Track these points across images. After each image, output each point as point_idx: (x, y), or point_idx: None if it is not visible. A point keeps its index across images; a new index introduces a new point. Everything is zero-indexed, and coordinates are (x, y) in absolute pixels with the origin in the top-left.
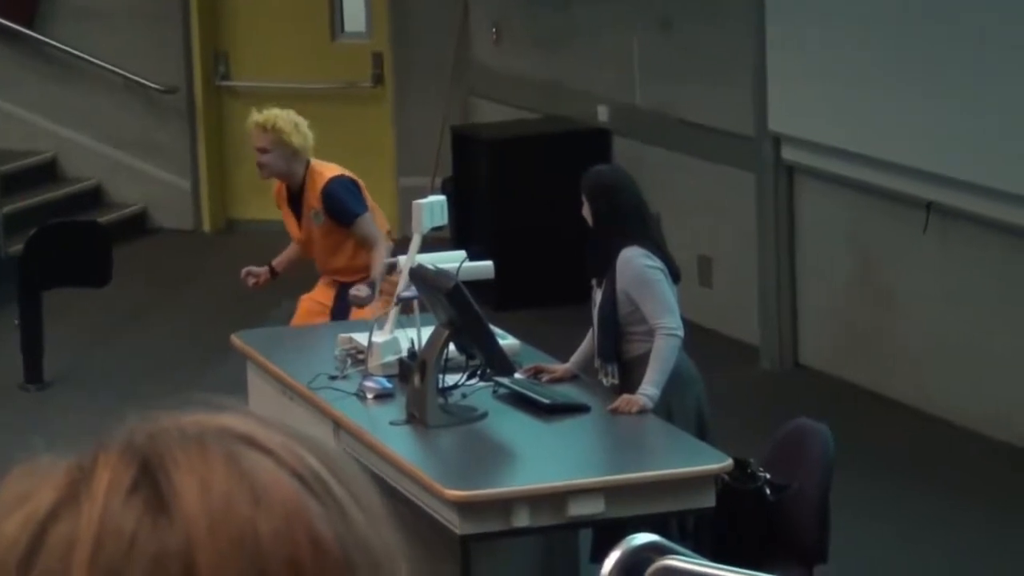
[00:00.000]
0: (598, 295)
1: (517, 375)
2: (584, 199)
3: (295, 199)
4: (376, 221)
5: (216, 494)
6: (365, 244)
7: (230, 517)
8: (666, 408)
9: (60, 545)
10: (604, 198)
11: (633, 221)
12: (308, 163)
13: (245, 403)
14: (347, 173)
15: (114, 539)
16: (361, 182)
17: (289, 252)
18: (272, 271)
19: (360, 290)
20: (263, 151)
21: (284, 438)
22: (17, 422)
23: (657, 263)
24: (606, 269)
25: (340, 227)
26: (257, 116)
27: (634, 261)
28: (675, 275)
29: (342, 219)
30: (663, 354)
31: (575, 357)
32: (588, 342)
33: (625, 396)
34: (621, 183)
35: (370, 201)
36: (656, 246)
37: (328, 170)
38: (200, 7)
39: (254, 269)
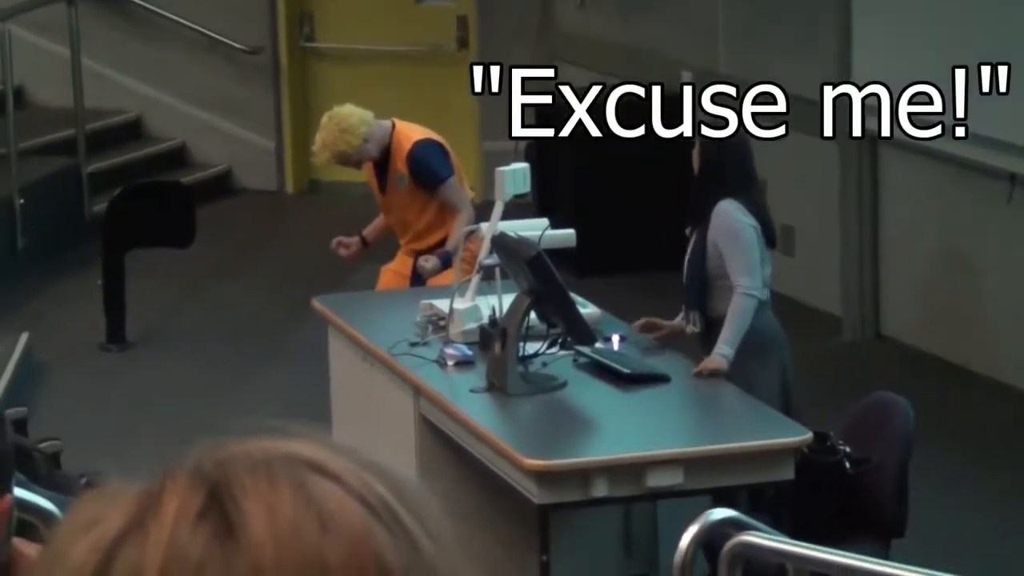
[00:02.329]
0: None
1: (628, 328)
2: (696, 142)
3: (381, 162)
4: (464, 190)
5: (283, 521)
6: (449, 210)
7: (297, 544)
8: (747, 373)
9: (127, 571)
10: (716, 147)
11: (737, 176)
12: (393, 127)
13: (325, 367)
14: (433, 136)
15: (181, 566)
16: (447, 145)
17: (379, 221)
18: (363, 241)
19: (428, 260)
20: (350, 165)
21: (352, 464)
22: (99, 382)
23: (752, 220)
24: (702, 217)
25: (424, 192)
26: (317, 158)
27: (729, 215)
28: (771, 239)
29: (427, 183)
30: (738, 313)
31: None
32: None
33: (704, 361)
34: (737, 138)
35: (457, 164)
36: (756, 206)
37: (414, 132)
38: None
39: (345, 239)
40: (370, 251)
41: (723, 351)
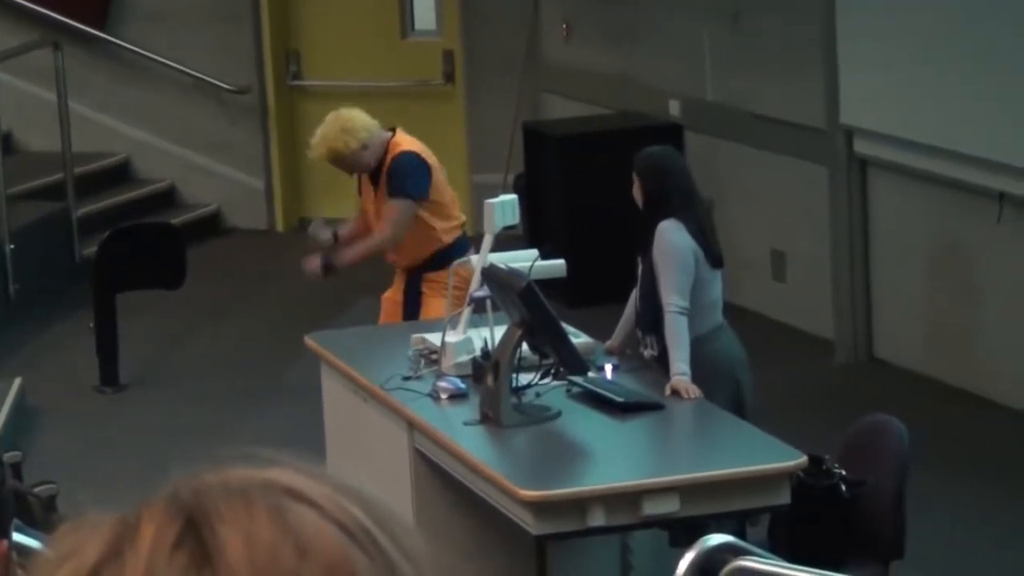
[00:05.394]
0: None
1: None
2: (635, 178)
3: (375, 172)
4: (450, 210)
5: (261, 548)
6: (384, 221)
7: (275, 570)
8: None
9: None
10: (653, 178)
11: (678, 201)
12: (393, 135)
13: (319, 405)
14: (423, 154)
15: None
16: (436, 166)
17: (355, 225)
18: (335, 237)
19: (323, 231)
20: (343, 168)
21: (329, 490)
22: (93, 425)
23: (687, 240)
24: (648, 245)
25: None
26: (313, 153)
27: (664, 233)
28: (715, 260)
29: (390, 188)
30: (673, 333)
31: (617, 337)
32: (624, 320)
33: (673, 384)
34: (671, 164)
35: (445, 189)
36: (698, 228)
37: (408, 143)
38: (271, 7)
39: (317, 230)
40: (365, 286)
41: (679, 370)
